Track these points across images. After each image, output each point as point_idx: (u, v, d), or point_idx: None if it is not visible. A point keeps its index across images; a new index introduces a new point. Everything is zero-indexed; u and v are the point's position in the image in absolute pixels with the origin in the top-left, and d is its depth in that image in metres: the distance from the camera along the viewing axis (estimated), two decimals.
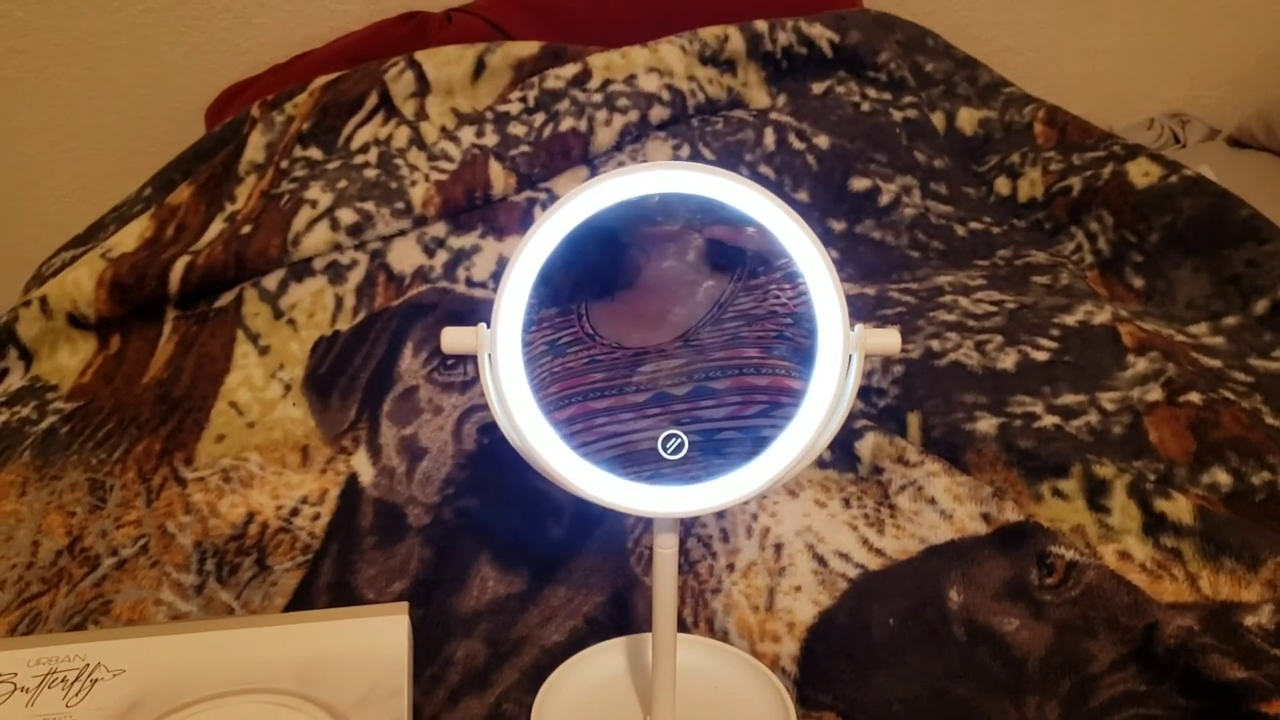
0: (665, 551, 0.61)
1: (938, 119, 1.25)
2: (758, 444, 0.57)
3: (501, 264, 1.03)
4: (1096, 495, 0.79)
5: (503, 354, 0.56)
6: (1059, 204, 1.15)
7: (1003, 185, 1.20)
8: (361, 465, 0.87)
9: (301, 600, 0.75)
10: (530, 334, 0.56)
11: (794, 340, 0.58)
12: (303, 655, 0.67)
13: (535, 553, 0.79)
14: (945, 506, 0.79)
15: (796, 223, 0.56)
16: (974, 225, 1.14)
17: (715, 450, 0.58)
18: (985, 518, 0.78)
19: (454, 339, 0.57)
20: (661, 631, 0.62)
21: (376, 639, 0.67)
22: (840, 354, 0.56)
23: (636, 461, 0.58)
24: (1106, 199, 1.11)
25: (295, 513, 0.82)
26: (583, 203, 0.56)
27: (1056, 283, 1.04)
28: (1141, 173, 1.12)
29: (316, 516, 0.82)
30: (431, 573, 0.77)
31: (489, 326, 0.57)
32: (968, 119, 1.26)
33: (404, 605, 0.70)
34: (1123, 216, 1.10)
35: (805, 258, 0.56)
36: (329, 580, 0.77)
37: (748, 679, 0.67)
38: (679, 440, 0.58)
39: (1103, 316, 0.97)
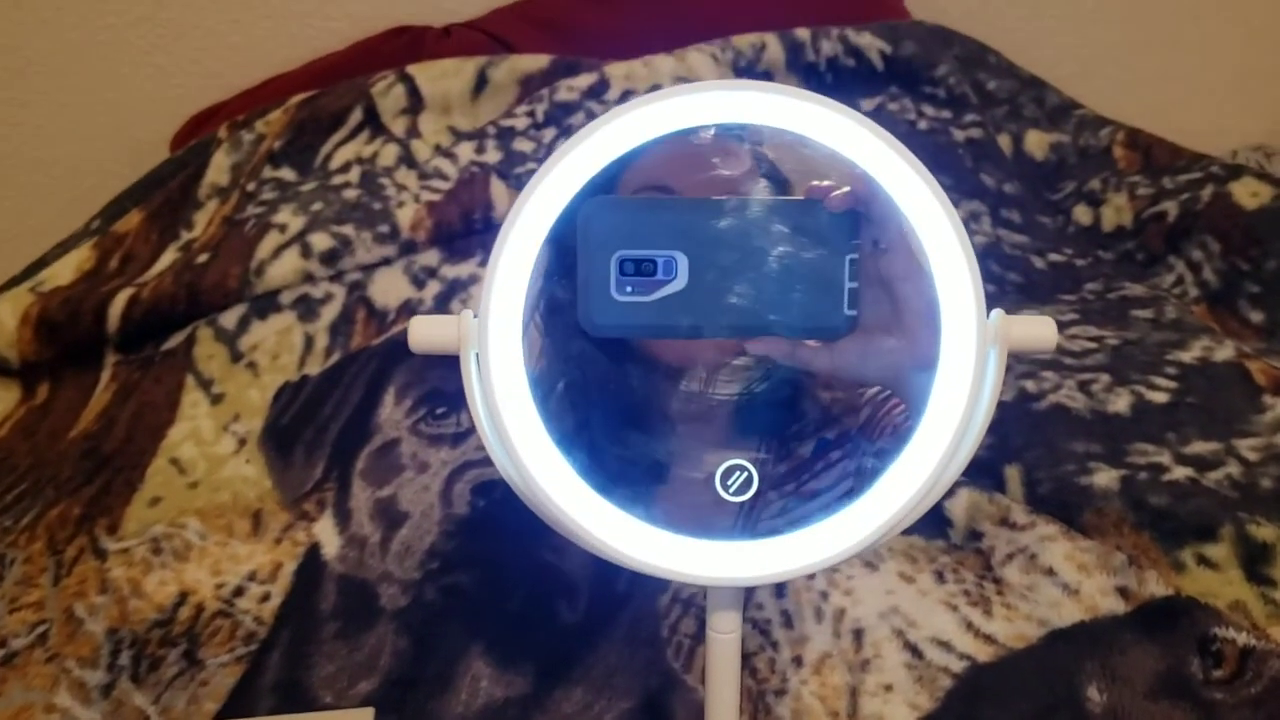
0: (723, 637, 0.44)
1: (1004, 141, 1.09)
2: (858, 478, 0.41)
3: None
4: (1256, 563, 0.62)
5: (496, 351, 0.40)
6: (1152, 231, 0.99)
7: (1083, 214, 1.05)
8: (326, 534, 0.70)
9: (238, 705, 0.58)
10: (542, 317, 0.40)
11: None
12: None
13: (542, 644, 0.61)
14: (1068, 579, 0.62)
15: (912, 166, 0.40)
16: (1054, 257, 0.98)
17: (796, 489, 0.41)
18: (1122, 592, 0.61)
19: (426, 332, 0.41)
20: None
21: None
22: (974, 348, 0.40)
23: (686, 508, 0.42)
24: (1210, 223, 0.95)
25: (239, 592, 0.65)
26: (608, 138, 0.40)
27: (1162, 317, 0.88)
28: (1249, 193, 0.96)
29: (266, 597, 0.65)
30: (408, 669, 0.60)
31: (475, 315, 0.41)
32: (1037, 142, 1.10)
33: (369, 712, 0.52)
34: (1231, 242, 0.94)
35: (926, 218, 0.40)
36: (276, 678, 0.59)
37: None
38: (745, 474, 0.41)
39: (1225, 353, 0.80)
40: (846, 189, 0.40)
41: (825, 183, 0.40)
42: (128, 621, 0.63)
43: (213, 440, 0.78)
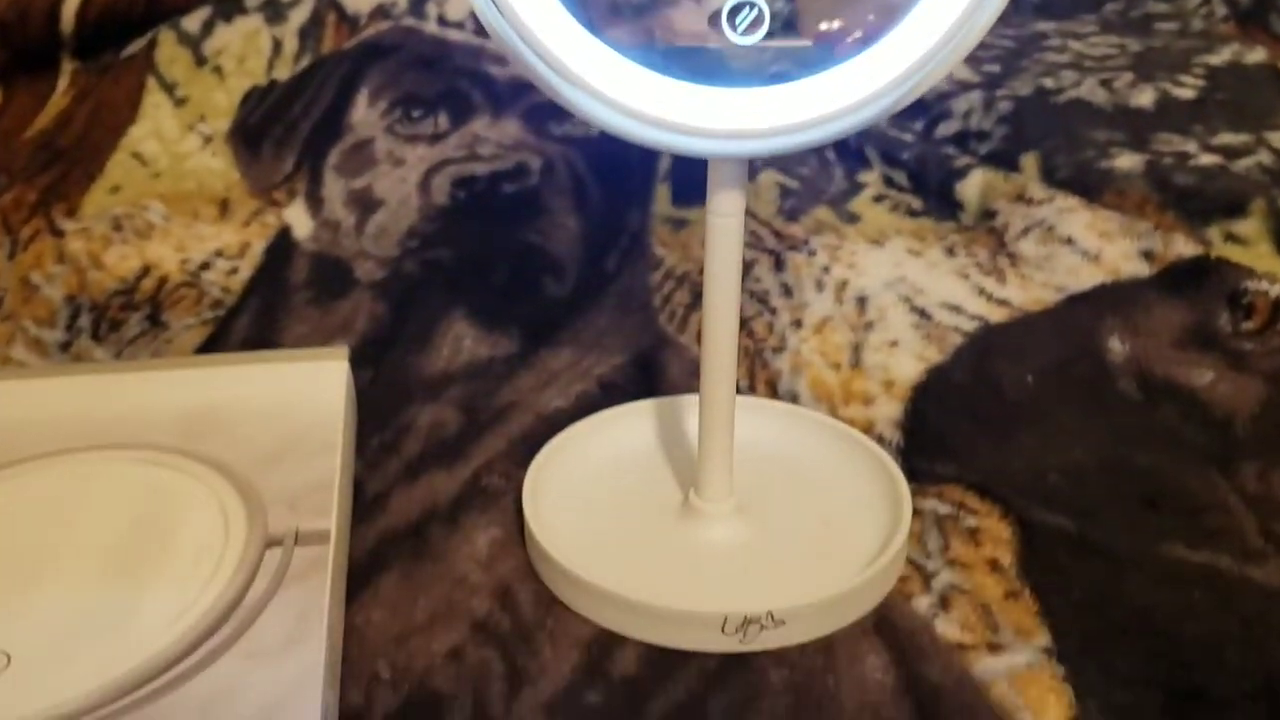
0: (724, 221, 0.40)
1: None
2: (879, 17, 0.36)
3: None
4: None
5: None
6: None
7: None
8: (297, 218, 0.66)
9: None
10: None
11: None
12: (191, 406, 0.46)
13: (528, 313, 0.58)
14: (1088, 246, 0.58)
15: None
16: None
17: (811, 32, 0.37)
18: (1146, 255, 0.57)
19: None
20: (717, 355, 0.41)
21: (302, 390, 0.47)
22: None
23: (688, 55, 0.37)
24: None
25: (206, 267, 0.61)
26: None
27: (1188, 29, 0.82)
28: None
29: (234, 271, 0.61)
30: (386, 331, 0.56)
31: None
32: None
33: (343, 350, 0.49)
34: None
35: None
36: (245, 338, 0.56)
37: (832, 445, 0.47)
38: (755, 11, 0.36)
39: (1256, 56, 0.76)
40: None
41: None
42: (86, 290, 0.59)
43: (177, 139, 0.74)
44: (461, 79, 0.77)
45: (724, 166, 0.39)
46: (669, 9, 0.37)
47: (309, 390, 0.46)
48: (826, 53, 0.36)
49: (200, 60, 0.78)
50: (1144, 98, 0.71)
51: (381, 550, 0.43)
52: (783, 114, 0.36)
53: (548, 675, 0.38)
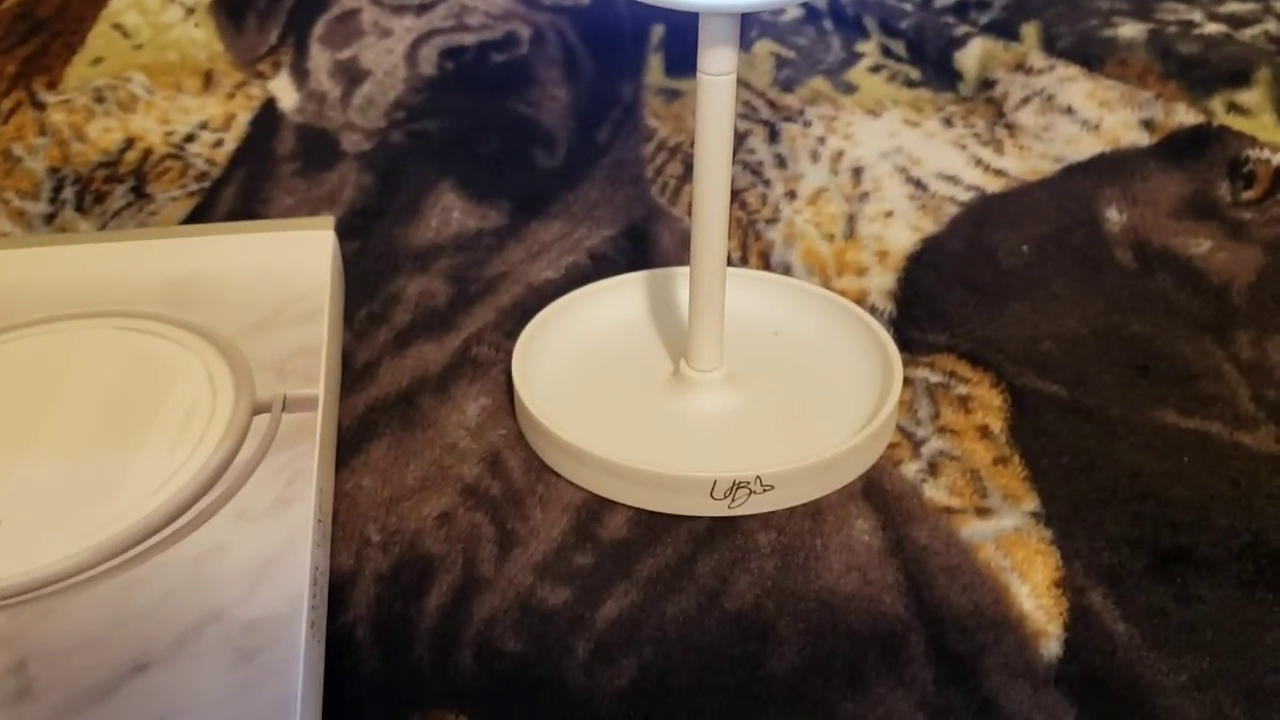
0: (716, 79, 0.39)
1: None
2: None
3: None
4: None
5: None
6: None
7: None
8: (282, 89, 0.64)
9: None
10: None
11: None
12: (176, 274, 0.45)
13: (518, 184, 0.57)
14: (1088, 115, 0.57)
15: None
16: None
17: None
18: (1147, 125, 0.56)
19: None
20: (708, 223, 0.40)
21: (288, 259, 0.46)
22: None
23: None
24: None
25: (190, 139, 0.60)
26: None
27: None
28: None
29: (219, 143, 0.60)
30: (373, 202, 0.55)
31: None
32: None
33: (328, 220, 0.48)
34: None
35: None
36: (230, 209, 0.55)
37: (824, 314, 0.46)
38: None
39: None
40: None
41: None
42: (70, 162, 0.58)
43: (158, 10, 0.72)
44: None
45: (715, 22, 0.38)
46: None
47: (295, 259, 0.46)
48: None
49: None
50: None
51: (371, 418, 0.43)
52: None
53: (537, 538, 0.38)
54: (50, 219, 0.54)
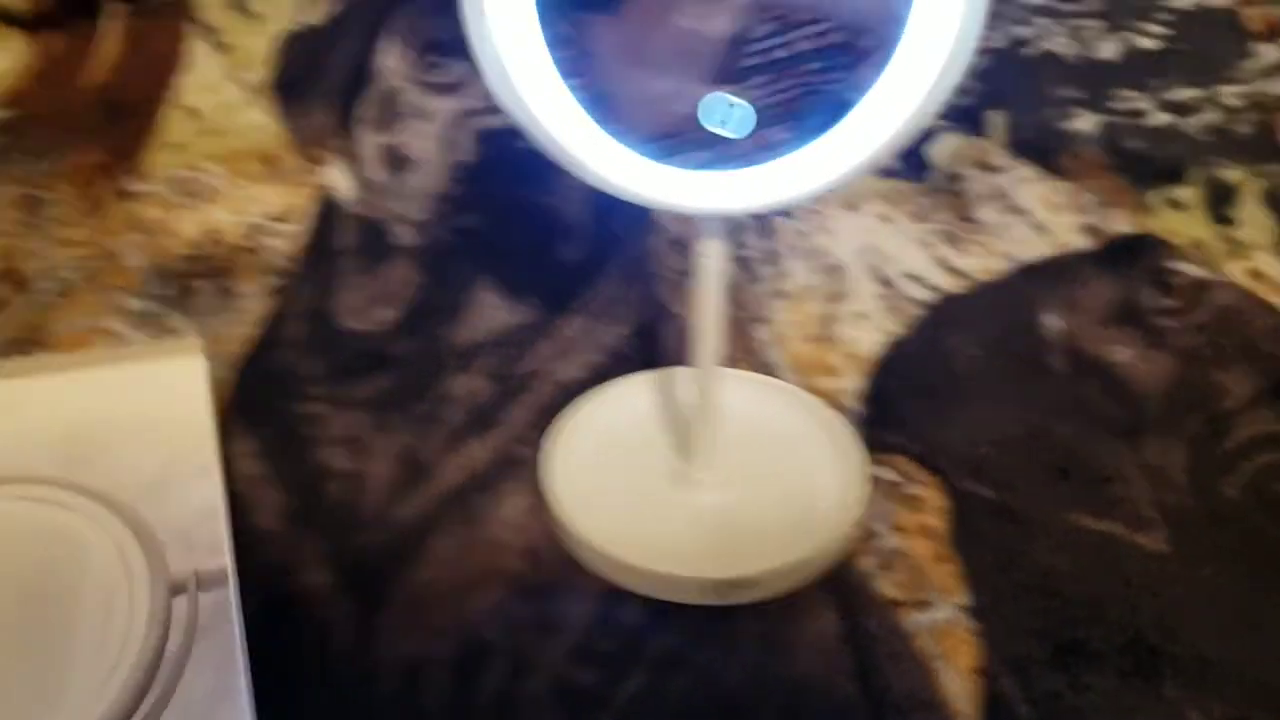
0: (709, 262, 0.48)
1: None
2: (838, 108, 0.43)
3: None
4: (1221, 204, 0.66)
5: None
6: None
7: None
8: (339, 178, 0.73)
9: (274, 329, 0.63)
10: None
11: None
12: (64, 426, 0.47)
13: (546, 278, 0.66)
14: (1040, 218, 0.66)
15: None
16: None
17: (781, 116, 0.44)
18: (1090, 230, 0.65)
19: None
20: (703, 357, 0.50)
21: (167, 397, 0.49)
22: None
23: (676, 135, 0.44)
24: None
25: (262, 230, 0.69)
26: None
27: None
28: None
29: (288, 236, 0.69)
30: (424, 298, 0.65)
31: None
32: None
33: (196, 343, 0.54)
34: None
35: None
36: (305, 307, 0.64)
37: (804, 418, 0.56)
38: (734, 108, 0.44)
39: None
40: None
41: None
42: (161, 256, 0.68)
43: (219, 86, 0.80)
44: None
45: (709, 221, 0.47)
46: (665, 105, 0.44)
47: (173, 397, 0.48)
48: (794, 143, 0.43)
49: (236, 3, 0.84)
50: (1109, 49, 0.77)
51: (431, 513, 0.53)
52: (754, 194, 0.44)
53: (569, 626, 0.48)
54: (151, 316, 0.64)
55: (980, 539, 0.51)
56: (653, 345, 0.62)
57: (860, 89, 0.42)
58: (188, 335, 0.61)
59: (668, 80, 0.44)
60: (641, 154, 0.44)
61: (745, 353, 0.61)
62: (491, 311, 0.64)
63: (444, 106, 0.78)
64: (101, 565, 0.38)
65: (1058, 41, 0.77)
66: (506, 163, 0.74)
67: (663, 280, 0.66)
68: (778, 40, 0.43)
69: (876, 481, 0.54)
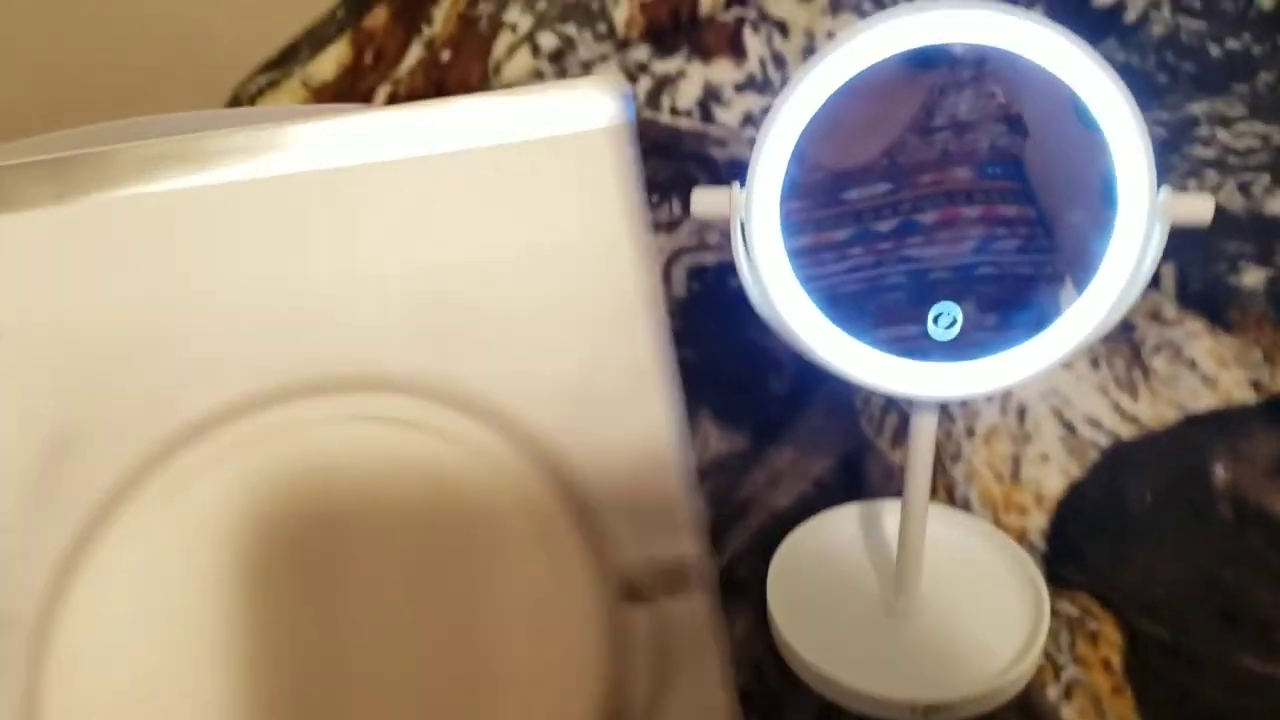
0: (923, 430, 0.57)
1: None
2: (1039, 321, 0.52)
3: (708, 91, 0.97)
4: None
5: (758, 222, 0.52)
6: None
7: None
8: None
9: None
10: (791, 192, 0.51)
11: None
12: (412, 275, 0.31)
13: (756, 410, 0.76)
14: (1208, 371, 0.72)
15: (1103, 70, 0.49)
16: (1231, 44, 1.02)
17: (991, 328, 0.53)
18: (1254, 385, 0.71)
19: (705, 201, 0.52)
20: (913, 510, 0.58)
21: (575, 217, 0.35)
22: (1144, 223, 0.50)
23: (905, 340, 0.54)
24: None
25: None
26: (851, 54, 0.49)
27: None
28: None
29: None
30: None
31: (743, 187, 0.52)
32: None
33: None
34: None
35: (1107, 107, 0.49)
36: None
37: (994, 553, 0.64)
38: (952, 317, 0.53)
39: None
40: None
41: None
42: None
43: None
44: (689, 162, 0.93)
45: (922, 404, 0.56)
46: (894, 316, 0.53)
47: (585, 212, 0.33)
48: (1000, 344, 0.52)
49: None
50: (1277, 204, 0.83)
51: None
52: (965, 385, 0.53)
53: None
54: None
55: (1154, 675, 0.58)
56: (856, 477, 0.70)
57: (1058, 308, 0.50)
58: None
59: (895, 293, 0.53)
60: (870, 345, 0.53)
61: (943, 489, 0.69)
62: (711, 440, 0.73)
63: (660, 244, 0.88)
64: (511, 552, 0.25)
65: (1226, 195, 0.84)
66: (716, 298, 0.84)
67: (864, 415, 0.74)
68: (991, 261, 0.52)
69: (1061, 614, 0.61)
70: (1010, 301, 0.53)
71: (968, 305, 0.53)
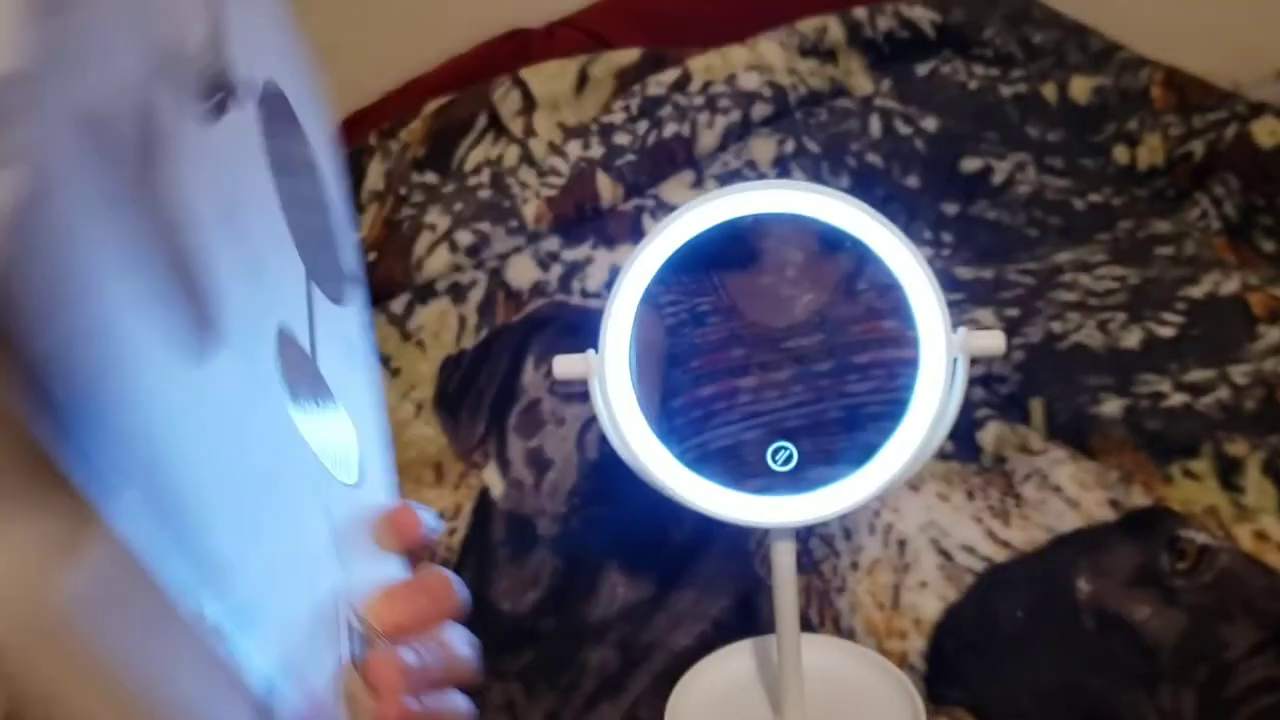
0: (782, 559, 0.62)
1: (1049, 91, 1.22)
2: (866, 452, 0.58)
3: (613, 274, 1.05)
4: (1229, 474, 0.78)
5: (611, 378, 0.58)
6: (1181, 170, 1.12)
7: (1121, 154, 1.17)
8: (492, 479, 0.90)
9: None
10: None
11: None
12: None
13: (661, 559, 0.81)
14: (1071, 494, 0.78)
15: (892, 233, 0.56)
16: (1093, 198, 1.11)
17: (824, 459, 0.59)
18: (1113, 504, 0.77)
19: (565, 368, 0.59)
20: (785, 635, 0.63)
21: None
22: (944, 359, 0.57)
23: (748, 473, 0.60)
24: (1230, 162, 1.07)
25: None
26: (670, 235, 0.57)
27: (1181, 254, 1.01)
28: (1267, 132, 1.08)
29: (453, 531, 0.85)
30: (562, 582, 0.80)
31: (597, 351, 0.59)
32: (1081, 88, 1.22)
33: None
34: (1249, 179, 1.06)
35: (902, 266, 0.56)
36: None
37: (877, 677, 0.68)
38: (788, 452, 0.59)
39: (1231, 286, 0.94)
40: None
41: None
42: None
43: (396, 406, 0.99)
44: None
45: (778, 529, 0.61)
46: (739, 451, 0.59)
47: None
48: (836, 474, 0.58)
49: (405, 335, 1.04)
50: (1132, 339, 0.90)
51: None
52: (809, 509, 0.58)
53: None
54: None
55: None
56: (752, 615, 0.75)
57: (881, 441, 0.57)
58: None
59: (740, 433, 0.59)
60: (720, 484, 0.59)
61: (830, 620, 0.74)
62: (619, 590, 0.78)
63: (574, 413, 0.95)
64: None
65: (1087, 334, 0.91)
66: (623, 461, 0.90)
67: (757, 557, 0.79)
68: (818, 406, 0.58)
69: None
70: (842, 438, 0.60)
71: (805, 443, 0.59)
